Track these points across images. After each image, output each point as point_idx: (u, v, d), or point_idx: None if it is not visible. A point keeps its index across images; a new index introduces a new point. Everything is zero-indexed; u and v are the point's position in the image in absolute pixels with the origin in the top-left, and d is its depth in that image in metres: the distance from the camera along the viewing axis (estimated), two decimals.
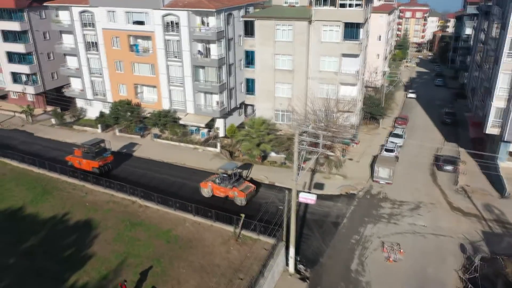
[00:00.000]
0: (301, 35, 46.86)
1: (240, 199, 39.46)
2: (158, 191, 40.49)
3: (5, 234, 33.00)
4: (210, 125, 57.20)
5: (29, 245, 31.49)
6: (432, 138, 59.55)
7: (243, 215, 32.01)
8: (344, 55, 46.90)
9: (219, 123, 57.51)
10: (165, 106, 57.74)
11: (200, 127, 56.53)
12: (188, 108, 56.59)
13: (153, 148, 53.46)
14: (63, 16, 60.34)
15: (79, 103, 66.17)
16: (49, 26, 63.08)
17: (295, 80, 48.95)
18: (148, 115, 57.84)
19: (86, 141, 47.46)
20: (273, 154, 50.85)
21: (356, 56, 47.02)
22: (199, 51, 53.37)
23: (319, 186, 44.05)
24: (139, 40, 57.10)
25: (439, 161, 49.45)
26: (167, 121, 55.67)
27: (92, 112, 64.03)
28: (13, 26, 64.28)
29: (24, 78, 68.99)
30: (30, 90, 68.51)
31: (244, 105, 60.72)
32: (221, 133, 57.70)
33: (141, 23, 55.13)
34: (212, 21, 51.76)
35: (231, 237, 31.77)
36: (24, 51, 65.60)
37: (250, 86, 51.63)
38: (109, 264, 29.22)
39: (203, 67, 54.17)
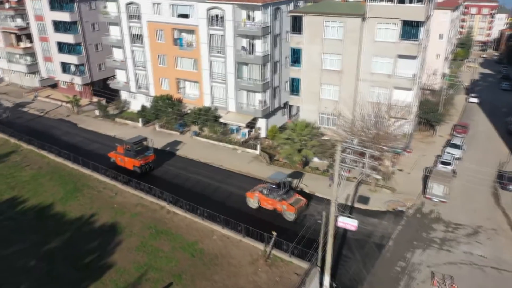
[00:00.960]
0: (353, 33, 42.88)
1: (289, 214, 36.04)
2: (191, 194, 38.87)
3: (32, 233, 32.36)
4: (251, 125, 54.66)
5: (52, 247, 30.54)
6: (496, 150, 53.50)
7: (274, 233, 29.10)
8: (400, 56, 42.38)
9: (261, 123, 54.84)
10: (207, 102, 55.84)
11: (241, 126, 54.08)
12: (230, 106, 54.32)
13: (191, 146, 51.71)
14: (111, 7, 59.90)
15: (124, 95, 65.94)
16: (98, 17, 62.93)
17: (343, 82, 45.09)
18: (189, 111, 56.24)
19: (128, 139, 46.14)
20: (315, 159, 47.44)
21: (413, 58, 42.37)
22: (243, 47, 50.78)
23: (364, 200, 40.25)
24: (183, 34, 55.40)
25: (503, 179, 43.85)
26: (207, 118, 53.70)
27: (136, 105, 63.51)
28: (64, 16, 64.77)
29: (72, 68, 69.71)
30: (77, 80, 69.13)
31: (288, 105, 57.62)
32: (262, 134, 55.01)
33: (185, 16, 53.35)
34: (258, 15, 48.90)
35: (260, 256, 29.06)
36: (73, 42, 66.04)
37: (295, 86, 48.31)
38: (128, 276, 27.49)
39: (246, 64, 51.60)
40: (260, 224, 34.40)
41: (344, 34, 43.22)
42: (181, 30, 55.17)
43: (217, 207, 37.50)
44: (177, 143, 52.32)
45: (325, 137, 46.66)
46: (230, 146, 51.59)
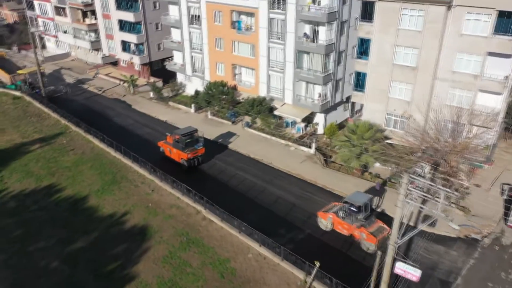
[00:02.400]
0: (434, 23, 36.48)
1: (369, 245, 30.26)
2: (234, 194, 36.00)
3: (61, 228, 30.98)
4: (308, 119, 49.99)
5: (77, 247, 28.78)
6: None
7: (317, 263, 24.91)
8: (491, 53, 35.49)
9: (319, 118, 49.97)
10: (262, 92, 51.94)
11: (296, 120, 49.62)
12: (286, 97, 49.97)
13: (242, 138, 48.21)
14: None
15: (180, 77, 63.86)
16: None
17: (418, 80, 38.98)
18: (242, 100, 52.72)
19: (178, 130, 43.65)
20: (377, 164, 42.00)
21: (508, 56, 35.24)
22: (305, 33, 45.85)
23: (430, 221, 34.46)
24: (242, 17, 51.46)
25: None
26: (260, 110, 49.82)
27: (191, 88, 61.15)
28: None
29: (132, 47, 68.72)
30: (136, 59, 68.17)
31: (351, 101, 52.08)
32: (320, 130, 50.16)
33: None
34: None
35: (299, 287, 25.03)
36: (134, 20, 64.69)
37: (360, 81, 42.86)
38: None
39: (307, 53, 46.71)
40: (307, 242, 30.58)
41: (423, 24, 36.98)
42: (240, 13, 51.29)
43: (260, 213, 34.19)
44: (229, 134, 49.09)
45: (390, 141, 41.07)
46: (283, 141, 47.45)
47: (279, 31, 47.46)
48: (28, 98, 56.02)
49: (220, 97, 53.13)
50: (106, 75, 71.06)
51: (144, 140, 47.18)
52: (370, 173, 41.77)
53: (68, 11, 75.49)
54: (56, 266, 27.07)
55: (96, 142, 44.10)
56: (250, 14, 49.97)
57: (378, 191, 37.86)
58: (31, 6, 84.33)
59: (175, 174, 37.84)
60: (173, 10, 58.84)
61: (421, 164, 23.72)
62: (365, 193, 33.99)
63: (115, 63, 75.03)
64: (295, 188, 38.45)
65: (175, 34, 60.87)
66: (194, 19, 56.01)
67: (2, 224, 31.28)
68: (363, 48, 41.54)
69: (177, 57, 62.25)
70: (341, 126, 50.31)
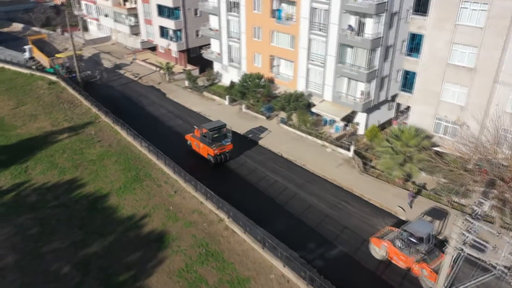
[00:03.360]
0: (499, 19, 31.83)
1: (429, 283, 25.73)
2: (262, 199, 33.89)
3: (78, 228, 29.73)
4: (348, 119, 46.39)
5: (91, 252, 27.30)
6: None
7: None
8: None
9: (360, 118, 46.23)
10: (300, 86, 48.76)
11: (336, 119, 46.15)
12: (326, 94, 46.53)
13: (276, 135, 45.43)
14: None
15: (216, 67, 61.63)
16: None
17: (475, 83, 34.52)
18: (278, 94, 49.76)
19: (206, 123, 41.62)
20: (422, 173, 38.06)
21: None
22: (349, 26, 42.02)
23: (479, 245, 30.46)
24: (283, 5, 48.15)
25: None
26: (297, 106, 46.71)
27: (227, 78, 58.89)
28: None
29: (170, 33, 67.04)
30: (173, 46, 66.48)
31: (397, 101, 47.89)
32: (361, 130, 46.46)
33: None
34: None
35: None
36: (172, 5, 62.70)
37: (408, 81, 38.76)
38: None
39: (351, 47, 42.88)
40: (337, 260, 27.82)
41: (486, 20, 32.42)
42: (281, 1, 48.01)
43: (289, 222, 31.62)
44: (261, 130, 46.45)
45: (438, 149, 37.03)
46: (319, 141, 44.26)
47: (322, 22, 43.90)
48: (63, 84, 55.61)
49: (255, 90, 50.46)
50: (143, 60, 69.99)
51: (174, 133, 45.55)
52: (414, 182, 37.92)
53: None
54: (67, 272, 25.77)
55: (123, 134, 42.71)
56: (291, 3, 46.61)
57: (411, 202, 34.27)
58: None
59: (201, 171, 35.88)
60: None
61: (480, 201, 19.82)
62: (429, 222, 29.95)
63: (153, 49, 73.85)
64: (329, 196, 35.48)
65: (213, 21, 58.46)
66: (233, 6, 53.28)
67: (20, 221, 30.50)
68: (414, 44, 37.44)
69: (214, 45, 59.94)
70: (384, 126, 46.49)
